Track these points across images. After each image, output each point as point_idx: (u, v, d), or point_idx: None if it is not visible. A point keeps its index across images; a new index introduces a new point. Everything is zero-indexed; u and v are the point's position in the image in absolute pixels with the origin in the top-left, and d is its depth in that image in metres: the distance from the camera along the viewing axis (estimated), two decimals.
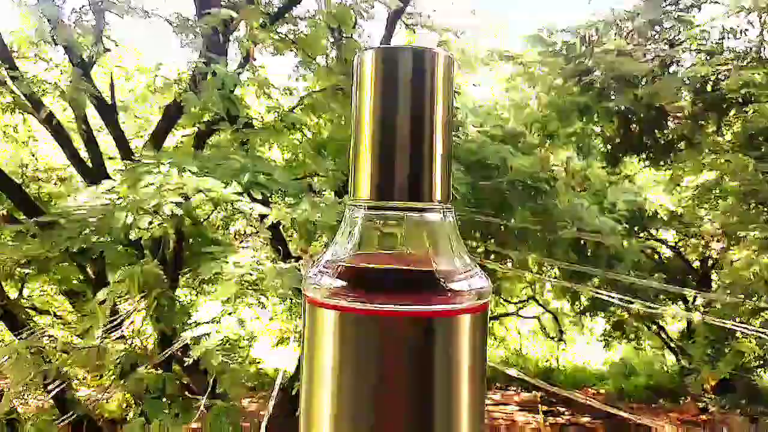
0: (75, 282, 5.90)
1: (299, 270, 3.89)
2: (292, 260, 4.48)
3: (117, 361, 3.87)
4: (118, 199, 3.91)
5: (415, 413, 0.34)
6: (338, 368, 0.35)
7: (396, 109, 0.37)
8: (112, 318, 4.38)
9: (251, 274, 3.15)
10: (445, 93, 0.38)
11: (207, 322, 3.03)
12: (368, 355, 0.34)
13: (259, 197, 4.09)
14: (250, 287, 3.17)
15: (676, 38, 6.49)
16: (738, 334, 6.18)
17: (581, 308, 9.01)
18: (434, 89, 0.37)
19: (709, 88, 6.11)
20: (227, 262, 3.21)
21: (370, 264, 0.38)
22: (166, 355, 4.39)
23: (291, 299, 3.37)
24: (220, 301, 3.13)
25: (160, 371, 4.23)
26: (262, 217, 3.88)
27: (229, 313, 3.08)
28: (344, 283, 0.36)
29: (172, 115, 5.36)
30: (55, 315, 7.19)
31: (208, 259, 3.53)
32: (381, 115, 0.37)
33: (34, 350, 4.11)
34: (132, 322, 4.36)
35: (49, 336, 4.69)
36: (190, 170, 3.79)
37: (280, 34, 5.46)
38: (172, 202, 3.47)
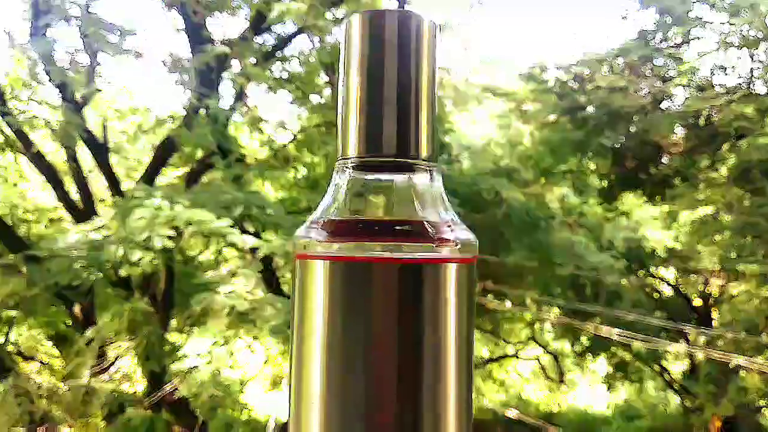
0: (62, 326, 5.78)
1: None
2: (285, 297, 4.38)
3: (104, 402, 3.74)
4: (109, 235, 3.83)
5: (404, 358, 0.35)
6: (328, 317, 0.35)
7: (382, 67, 0.38)
8: (99, 360, 4.26)
9: (243, 304, 3.05)
10: (429, 54, 0.39)
11: (197, 355, 2.93)
12: (358, 303, 0.35)
13: (252, 231, 4.02)
14: (242, 318, 3.07)
15: (668, 74, 6.55)
16: (742, 373, 6.07)
17: (582, 349, 8.86)
18: (419, 50, 0.39)
19: (701, 122, 6.14)
20: (218, 293, 3.13)
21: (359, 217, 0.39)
22: (158, 398, 4.25)
23: (283, 333, 3.27)
24: (211, 334, 3.03)
25: (149, 411, 4.08)
26: (253, 250, 3.81)
27: (221, 345, 2.98)
28: (333, 235, 0.37)
29: (164, 153, 5.32)
30: (41, 363, 7.01)
31: (199, 290, 3.44)
32: (368, 73, 0.38)
33: (21, 394, 3.98)
34: (119, 367, 4.24)
35: (35, 382, 4.57)
36: (182, 203, 3.73)
37: (273, 73, 5.48)
38: (163, 235, 3.40)
